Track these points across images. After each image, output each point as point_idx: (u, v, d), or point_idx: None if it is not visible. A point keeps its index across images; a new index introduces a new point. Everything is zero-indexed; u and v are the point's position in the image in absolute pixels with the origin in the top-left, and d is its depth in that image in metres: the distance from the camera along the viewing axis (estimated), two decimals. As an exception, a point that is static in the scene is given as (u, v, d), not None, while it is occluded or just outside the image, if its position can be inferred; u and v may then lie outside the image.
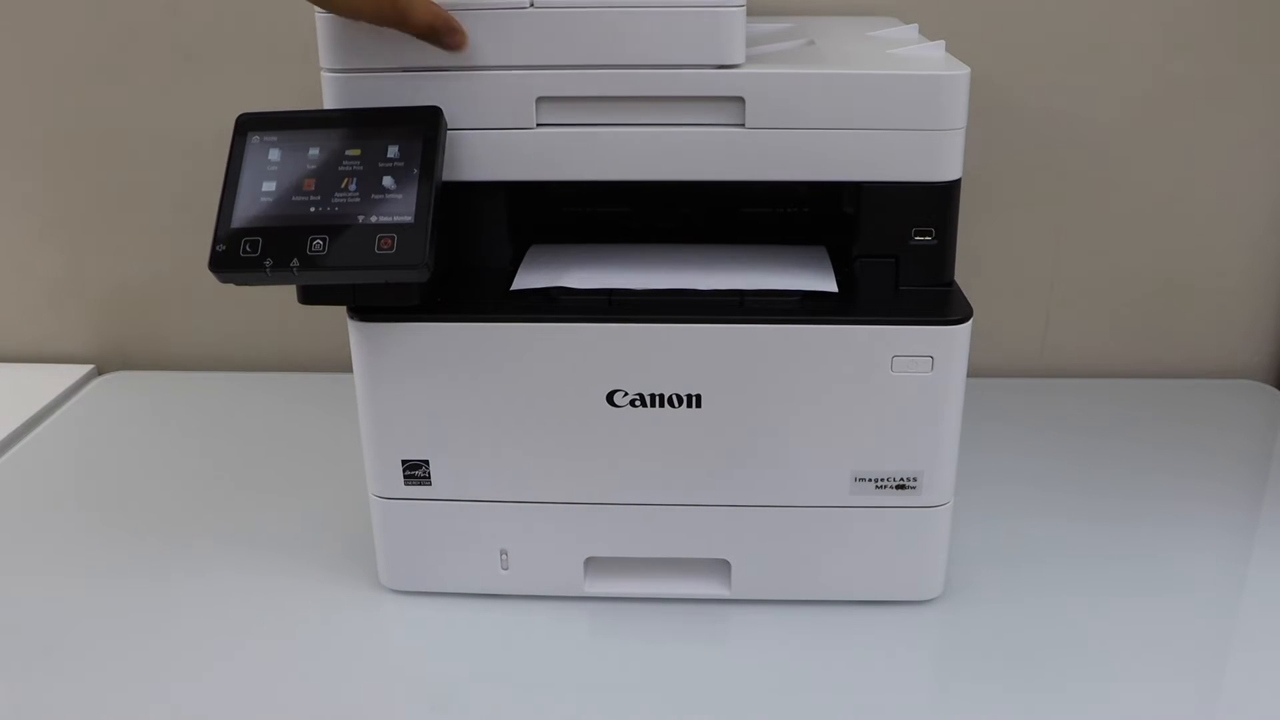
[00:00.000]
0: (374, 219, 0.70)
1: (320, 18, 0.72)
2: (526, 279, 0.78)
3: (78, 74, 1.14)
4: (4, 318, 1.24)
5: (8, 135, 1.17)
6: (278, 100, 1.10)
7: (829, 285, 0.76)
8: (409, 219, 0.70)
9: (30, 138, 1.17)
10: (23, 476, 1.03)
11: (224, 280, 0.70)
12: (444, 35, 0.70)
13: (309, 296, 0.74)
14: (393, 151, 0.71)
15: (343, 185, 0.71)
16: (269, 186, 0.71)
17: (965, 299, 0.76)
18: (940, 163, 0.73)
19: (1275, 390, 1.18)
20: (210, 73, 1.13)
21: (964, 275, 0.78)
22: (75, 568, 0.89)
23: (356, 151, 0.72)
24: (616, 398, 0.75)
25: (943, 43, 0.78)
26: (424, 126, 0.72)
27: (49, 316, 1.24)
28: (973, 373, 0.76)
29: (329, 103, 0.74)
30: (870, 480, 0.77)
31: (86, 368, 1.23)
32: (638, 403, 0.75)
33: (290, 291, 0.73)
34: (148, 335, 1.25)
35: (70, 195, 1.19)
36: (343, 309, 0.75)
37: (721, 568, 0.81)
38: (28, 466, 1.05)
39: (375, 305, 0.74)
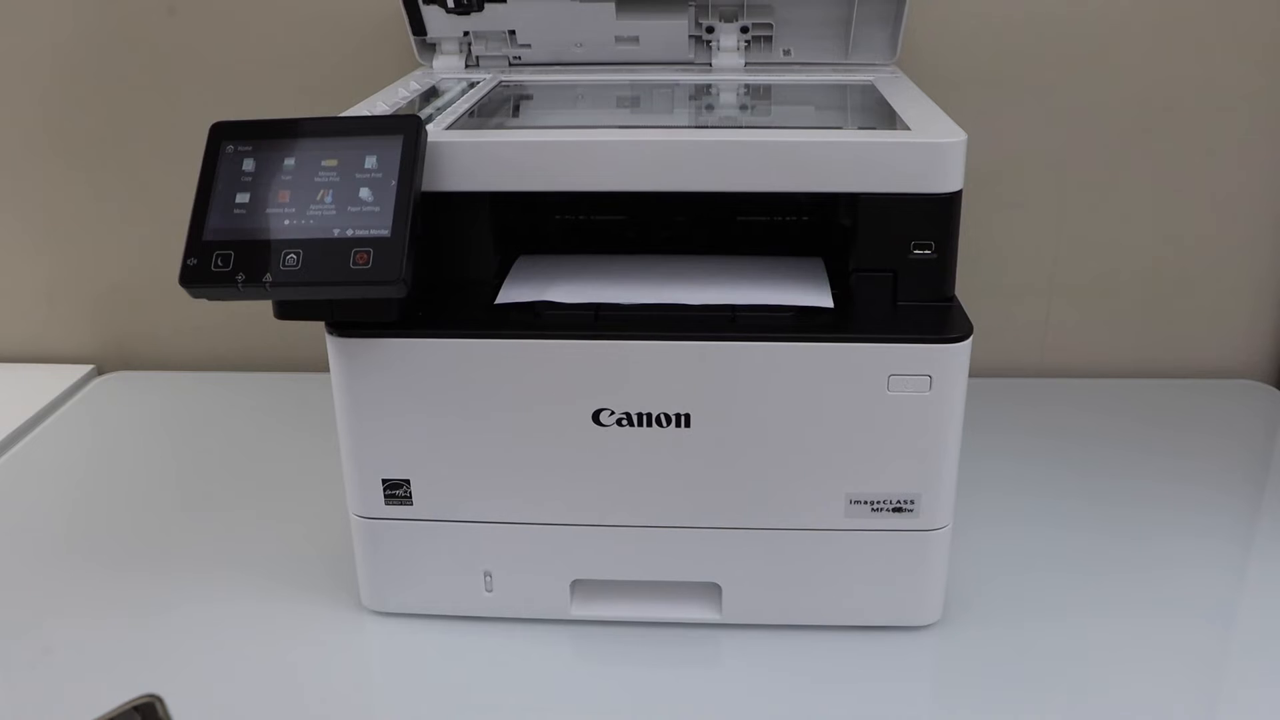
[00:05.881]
0: (350, 232, 0.65)
1: None
2: (511, 293, 0.72)
3: (79, 73, 1.11)
4: (4, 318, 1.22)
5: (8, 135, 1.14)
6: (278, 99, 1.07)
7: (824, 300, 0.70)
8: (385, 232, 0.65)
9: (30, 137, 1.14)
10: (23, 476, 1.00)
11: (195, 295, 0.66)
12: None
13: (285, 311, 0.69)
14: (370, 162, 0.67)
15: (318, 197, 0.66)
16: (243, 198, 0.66)
17: (966, 315, 0.69)
18: (941, 174, 0.67)
19: (1275, 390, 1.15)
20: (210, 72, 1.11)
21: (963, 275, 0.72)
22: (73, 568, 0.85)
23: (333, 162, 0.67)
24: (603, 417, 0.69)
25: None
26: (403, 136, 0.66)
27: (49, 316, 1.22)
28: (972, 373, 0.70)
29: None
30: (866, 503, 0.71)
31: (86, 368, 1.20)
32: (624, 422, 0.69)
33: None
34: (148, 335, 1.22)
35: (71, 195, 1.16)
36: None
37: (712, 591, 0.75)
38: (28, 466, 1.02)
39: (353, 321, 0.69)
